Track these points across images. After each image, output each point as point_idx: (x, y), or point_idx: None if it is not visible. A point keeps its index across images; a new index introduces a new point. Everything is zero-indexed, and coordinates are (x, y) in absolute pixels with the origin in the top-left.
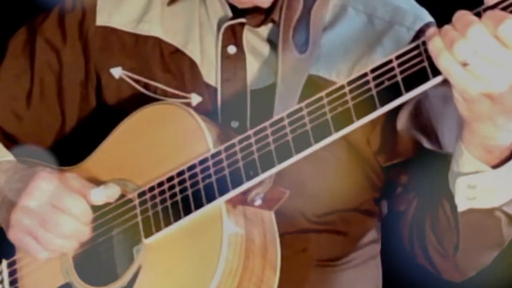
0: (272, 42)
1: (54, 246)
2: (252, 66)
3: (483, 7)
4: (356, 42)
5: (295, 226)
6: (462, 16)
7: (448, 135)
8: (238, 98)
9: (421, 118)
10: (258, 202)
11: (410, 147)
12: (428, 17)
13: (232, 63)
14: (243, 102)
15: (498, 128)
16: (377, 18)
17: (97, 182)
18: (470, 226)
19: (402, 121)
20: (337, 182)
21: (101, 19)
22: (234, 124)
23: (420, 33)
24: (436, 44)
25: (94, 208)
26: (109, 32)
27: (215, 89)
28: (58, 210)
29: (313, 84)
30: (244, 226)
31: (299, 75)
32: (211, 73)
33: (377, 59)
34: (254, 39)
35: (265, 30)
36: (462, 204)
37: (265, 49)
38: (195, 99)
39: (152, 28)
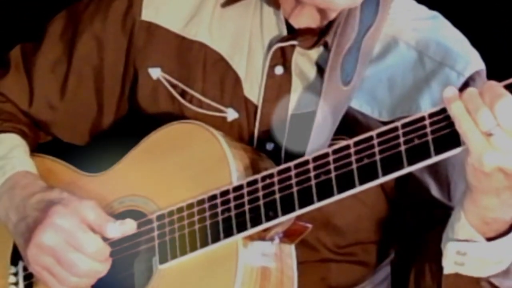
0: (319, 66)
1: (70, 283)
2: (297, 89)
3: None
4: (403, 79)
5: (316, 256)
6: (492, 87)
7: (461, 188)
8: (278, 121)
9: (438, 165)
10: (276, 241)
11: (415, 191)
12: (479, 64)
13: (277, 84)
14: (282, 125)
15: (501, 202)
16: (428, 57)
17: (119, 195)
18: None
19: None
20: (362, 214)
21: (147, 14)
22: (269, 146)
23: (470, 80)
24: (458, 108)
25: None
26: (154, 29)
27: (256, 106)
28: (73, 249)
29: (353, 118)
30: (260, 263)
31: (339, 106)
32: (254, 89)
33: (423, 104)
34: (303, 62)
35: (315, 53)
36: (448, 268)
37: (312, 73)
38: (231, 114)
39: (199, 32)
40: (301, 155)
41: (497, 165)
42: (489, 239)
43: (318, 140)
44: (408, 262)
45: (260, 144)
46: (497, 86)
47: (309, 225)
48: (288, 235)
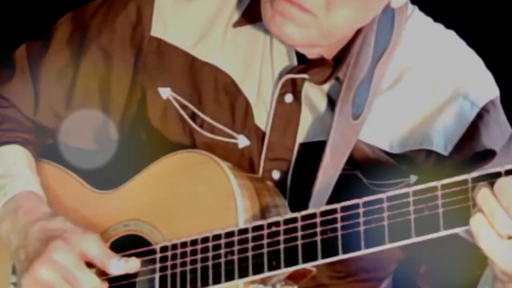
0: (330, 98)
1: None
2: (306, 119)
3: None
4: (415, 109)
5: (317, 281)
6: (504, 188)
7: None
8: (285, 149)
9: None
10: (277, 287)
11: None
12: (493, 91)
13: (286, 112)
14: (289, 153)
15: None
16: (441, 85)
17: (124, 218)
18: None
19: None
20: None
21: (157, 30)
22: (275, 174)
23: (484, 111)
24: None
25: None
26: (164, 47)
27: (264, 134)
28: (69, 286)
29: (361, 151)
30: None
31: (348, 140)
32: (262, 116)
33: (435, 136)
34: (314, 92)
35: (327, 85)
36: None
37: (322, 104)
38: (243, 142)
39: (210, 53)
40: (308, 185)
41: None
42: None
43: (326, 175)
44: None
45: (266, 172)
46: (509, 186)
47: (313, 269)
48: (291, 278)
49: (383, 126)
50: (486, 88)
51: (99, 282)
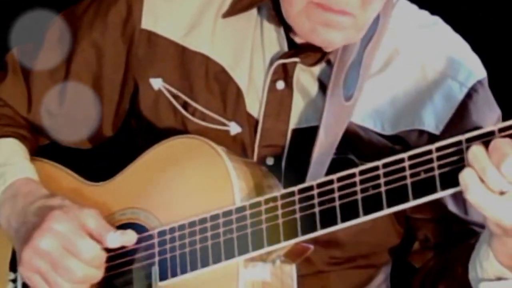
0: (321, 82)
1: None
2: (298, 104)
3: None
4: (405, 91)
5: (313, 268)
6: (498, 146)
7: None
8: (278, 135)
9: None
10: (277, 263)
11: (432, 207)
12: (481, 72)
13: (278, 99)
14: (283, 140)
15: None
16: (430, 67)
17: (120, 207)
18: None
19: None
20: (365, 228)
21: (147, 22)
22: (270, 161)
23: (472, 91)
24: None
25: None
26: (155, 38)
27: (256, 121)
28: (69, 254)
29: (354, 133)
30: (260, 283)
31: (341, 122)
32: (255, 103)
33: (426, 117)
34: (305, 77)
35: (317, 68)
36: None
37: (314, 89)
38: (234, 129)
39: (200, 43)
40: (302, 170)
41: None
42: None
43: (320, 157)
44: (429, 279)
45: (260, 159)
46: (504, 145)
47: (311, 246)
48: (289, 256)
49: (374, 109)
50: (474, 69)
51: (100, 250)
